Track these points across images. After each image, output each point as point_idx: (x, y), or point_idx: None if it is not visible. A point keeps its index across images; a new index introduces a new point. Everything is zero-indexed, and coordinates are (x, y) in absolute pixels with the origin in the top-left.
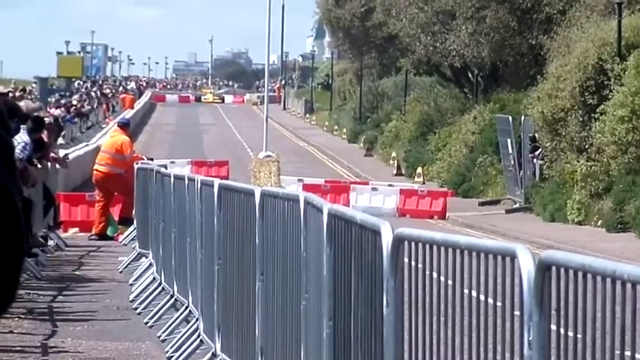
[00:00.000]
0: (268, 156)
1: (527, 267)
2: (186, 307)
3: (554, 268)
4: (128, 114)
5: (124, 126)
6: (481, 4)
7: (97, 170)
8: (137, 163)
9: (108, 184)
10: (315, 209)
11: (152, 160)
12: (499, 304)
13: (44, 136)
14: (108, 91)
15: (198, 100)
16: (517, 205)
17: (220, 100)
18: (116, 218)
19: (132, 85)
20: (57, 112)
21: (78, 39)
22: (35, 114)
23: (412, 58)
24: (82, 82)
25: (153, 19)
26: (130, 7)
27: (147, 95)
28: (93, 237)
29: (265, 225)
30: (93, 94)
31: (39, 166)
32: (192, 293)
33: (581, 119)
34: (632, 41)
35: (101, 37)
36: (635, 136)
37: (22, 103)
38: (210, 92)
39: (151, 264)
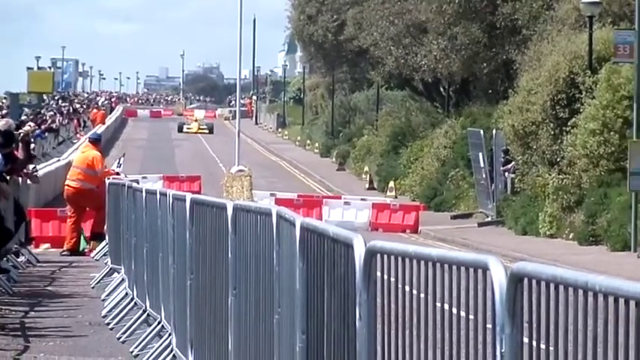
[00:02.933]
0: (240, 171)
1: (499, 279)
2: (159, 322)
3: (526, 280)
4: (99, 129)
5: (95, 141)
6: (452, 21)
7: (68, 185)
8: (109, 178)
9: (79, 199)
10: (287, 223)
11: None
12: (471, 317)
13: (17, 151)
14: (78, 106)
15: (180, 130)
16: (489, 219)
17: (208, 131)
18: (88, 234)
19: (102, 100)
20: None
21: (49, 54)
22: (4, 129)
23: (383, 71)
24: (52, 98)
25: (124, 34)
26: (101, 23)
27: (118, 110)
28: (65, 253)
29: (238, 239)
30: (64, 109)
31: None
32: (165, 308)
33: (552, 132)
34: (604, 54)
35: (72, 53)
36: (607, 149)
37: (2, 122)
38: (195, 119)
39: (123, 279)
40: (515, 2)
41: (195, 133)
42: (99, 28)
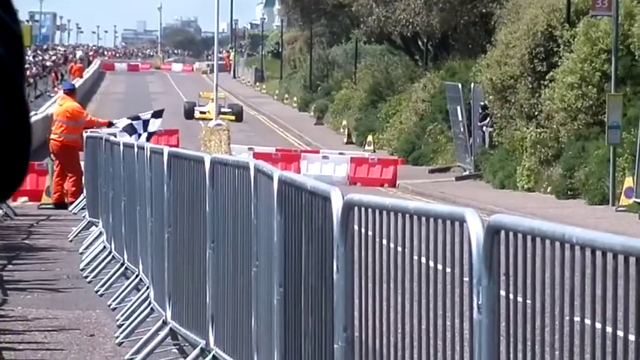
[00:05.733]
0: (218, 125)
1: (476, 231)
2: (137, 276)
3: (503, 232)
4: (76, 82)
5: (69, 92)
6: None
7: (53, 140)
8: (87, 132)
9: (65, 152)
10: (265, 176)
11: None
12: (448, 269)
13: None
14: (55, 58)
15: (189, 115)
16: (467, 173)
17: (234, 117)
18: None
19: (79, 53)
20: None
21: (26, 8)
22: None
23: (364, 29)
24: (30, 51)
25: None
26: None
27: (96, 64)
28: (43, 206)
29: (215, 192)
30: (40, 62)
31: None
32: (143, 261)
33: (530, 86)
34: (582, 7)
35: (50, 6)
36: (585, 102)
37: None
38: (211, 98)
39: (101, 232)
40: None
41: (206, 118)
42: None
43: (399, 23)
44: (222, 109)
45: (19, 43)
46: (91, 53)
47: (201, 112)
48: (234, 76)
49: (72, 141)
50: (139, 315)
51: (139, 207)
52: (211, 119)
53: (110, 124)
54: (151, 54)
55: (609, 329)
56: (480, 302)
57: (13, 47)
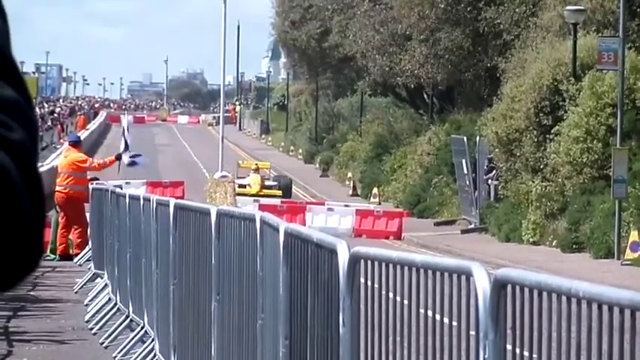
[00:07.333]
0: (224, 176)
1: (482, 285)
2: (142, 328)
3: (509, 287)
4: (82, 134)
5: (75, 143)
6: (435, 26)
7: (58, 192)
8: (92, 184)
9: (70, 204)
10: (271, 228)
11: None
12: (455, 323)
13: None
14: (59, 109)
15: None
16: (472, 226)
17: (281, 192)
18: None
19: (84, 104)
20: None
21: (32, 59)
22: None
23: (368, 80)
24: (36, 103)
25: (108, 39)
26: (85, 28)
27: (102, 115)
28: (49, 257)
29: (221, 244)
30: (47, 114)
31: None
32: (148, 313)
33: (536, 140)
34: (587, 62)
35: (56, 58)
36: (590, 156)
37: None
38: (256, 167)
39: (106, 284)
40: (499, 7)
41: (256, 195)
42: (83, 33)
43: (404, 74)
44: (267, 183)
45: (35, 126)
46: (97, 105)
47: (241, 186)
48: (240, 129)
49: (77, 192)
50: None
51: (145, 259)
52: (253, 195)
53: (119, 157)
54: (157, 106)
55: None
56: (486, 356)
57: (32, 132)
